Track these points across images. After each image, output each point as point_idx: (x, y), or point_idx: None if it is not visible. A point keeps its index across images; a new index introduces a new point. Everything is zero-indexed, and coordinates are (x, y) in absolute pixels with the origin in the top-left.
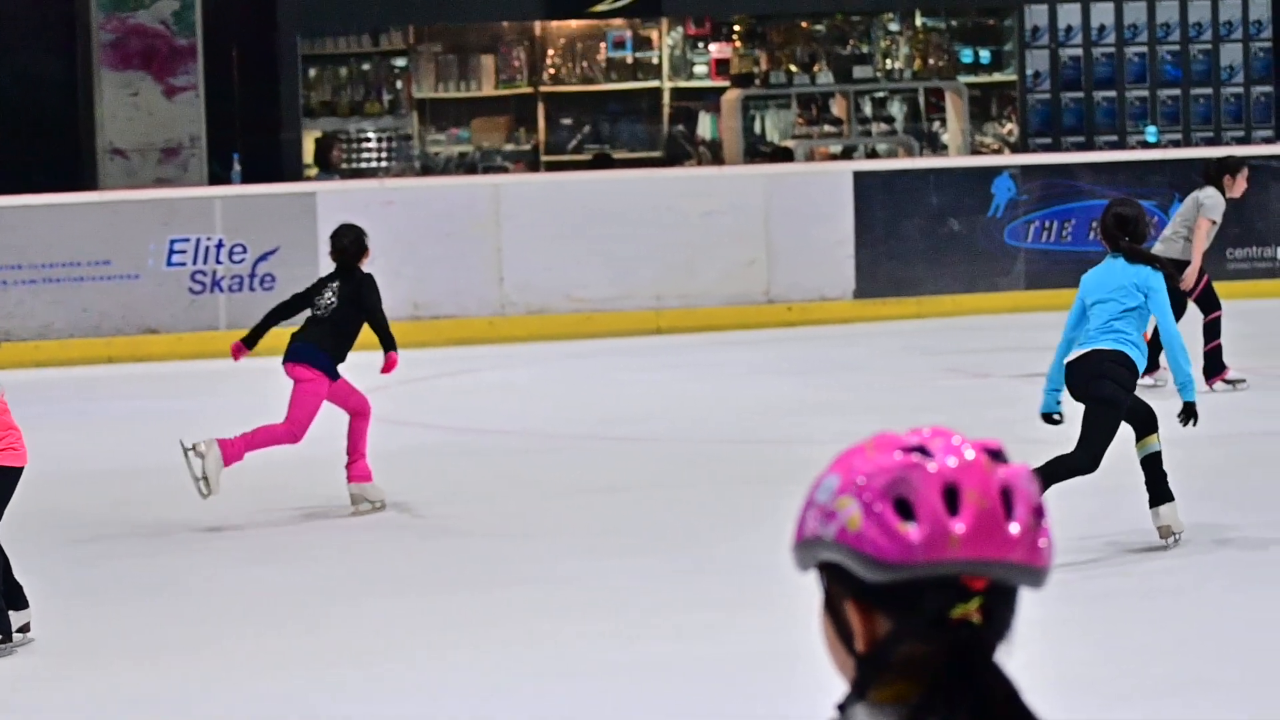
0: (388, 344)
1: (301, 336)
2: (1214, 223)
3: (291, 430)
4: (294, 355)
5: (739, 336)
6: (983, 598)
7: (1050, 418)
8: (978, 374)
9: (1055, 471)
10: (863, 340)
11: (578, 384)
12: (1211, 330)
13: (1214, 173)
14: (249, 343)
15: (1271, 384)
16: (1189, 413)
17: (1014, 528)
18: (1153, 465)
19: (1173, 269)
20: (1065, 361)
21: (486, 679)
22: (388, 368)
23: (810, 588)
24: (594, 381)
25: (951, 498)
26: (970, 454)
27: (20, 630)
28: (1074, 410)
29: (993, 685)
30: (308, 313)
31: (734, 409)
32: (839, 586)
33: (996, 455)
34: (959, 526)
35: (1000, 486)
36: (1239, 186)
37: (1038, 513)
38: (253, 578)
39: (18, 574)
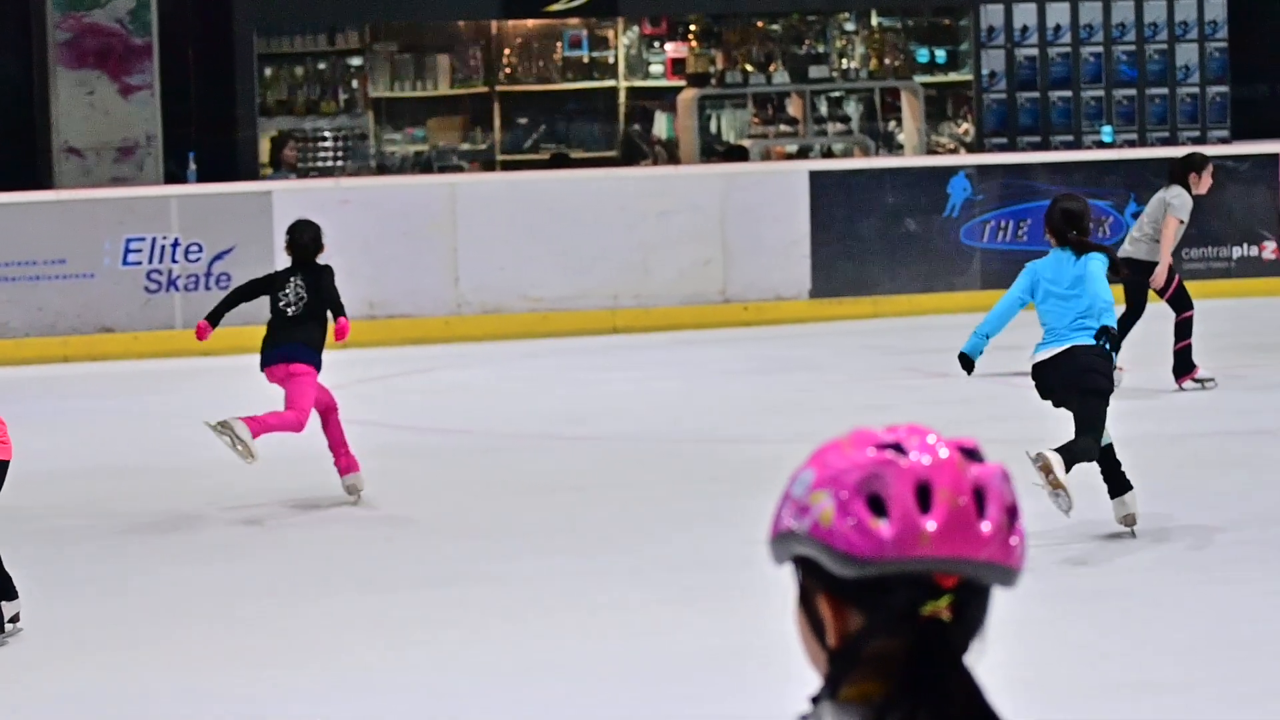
0: (340, 311)
1: (286, 338)
2: (1181, 222)
3: (299, 419)
4: (286, 356)
5: (695, 336)
6: (953, 595)
7: (968, 360)
8: (934, 373)
9: (1077, 455)
10: (819, 340)
11: (533, 383)
12: (1183, 330)
13: (1179, 171)
14: (213, 320)
15: (1229, 384)
16: (1105, 332)
17: (985, 526)
18: (1108, 458)
19: (1126, 267)
20: (1042, 360)
21: (444, 678)
22: (340, 334)
23: (765, 586)
24: (550, 381)
25: (924, 495)
26: (944, 452)
27: (10, 620)
28: (1039, 410)
29: (956, 684)
30: (278, 312)
31: (690, 408)
32: (812, 581)
33: (971, 454)
34: (930, 524)
35: (973, 485)
36: (1205, 183)
37: (1011, 512)
38: (210, 576)
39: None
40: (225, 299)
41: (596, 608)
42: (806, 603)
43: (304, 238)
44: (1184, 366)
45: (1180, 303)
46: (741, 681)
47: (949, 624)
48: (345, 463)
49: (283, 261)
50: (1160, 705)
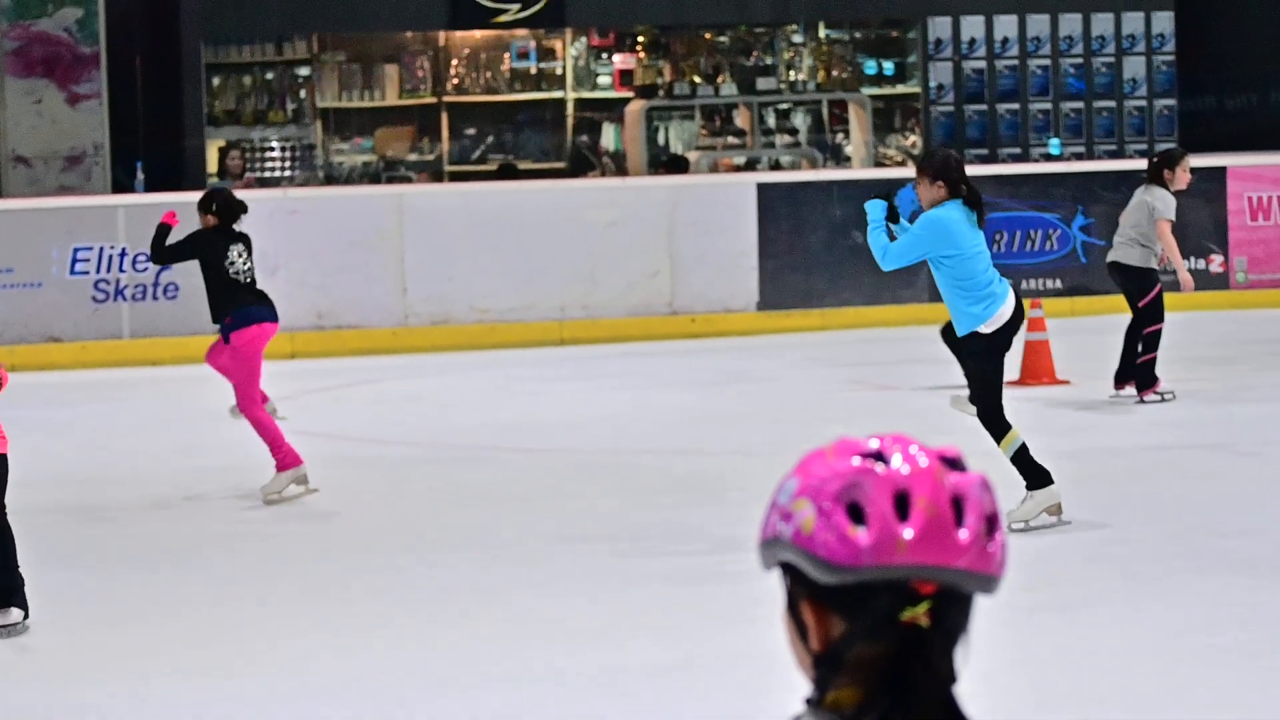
0: None
1: (254, 299)
2: (1172, 221)
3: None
4: (268, 315)
5: (643, 348)
6: (932, 602)
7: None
8: (882, 385)
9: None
10: (767, 352)
11: (482, 395)
12: (1150, 342)
13: (1155, 170)
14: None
15: (1188, 397)
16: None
17: (963, 534)
18: (1022, 456)
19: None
20: (1005, 320)
21: (383, 690)
22: None
23: (708, 600)
24: (498, 392)
25: (902, 504)
26: (924, 461)
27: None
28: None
29: (931, 689)
30: (230, 279)
31: (637, 420)
32: (797, 587)
33: (953, 463)
34: (907, 532)
35: (952, 494)
36: (1182, 179)
37: (990, 521)
38: (153, 584)
39: None
40: (169, 247)
41: (545, 620)
42: (793, 608)
43: (236, 205)
44: (1148, 380)
45: (1153, 314)
46: (685, 692)
47: (928, 630)
48: (288, 458)
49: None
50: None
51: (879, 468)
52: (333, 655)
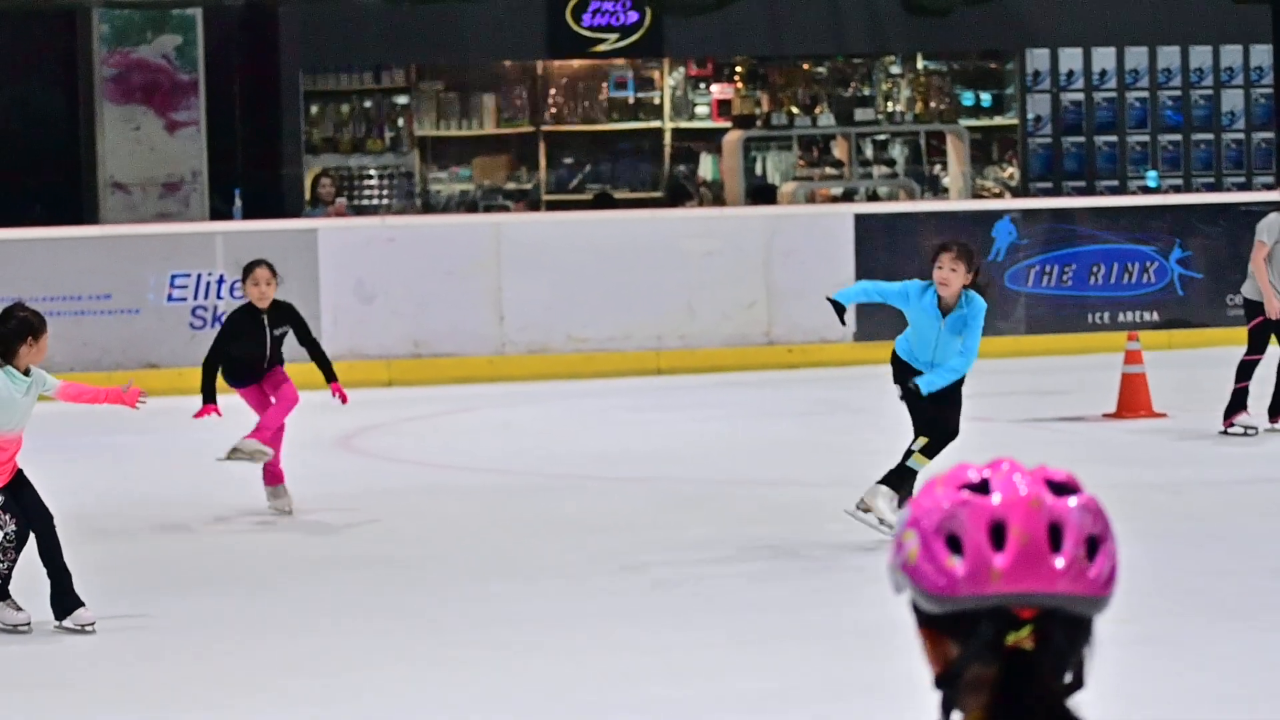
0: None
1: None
2: (1262, 244)
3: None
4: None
5: (739, 378)
6: (1034, 626)
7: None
8: (978, 418)
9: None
10: (863, 382)
11: (577, 424)
12: (1241, 371)
13: None
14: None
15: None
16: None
17: (1058, 561)
18: (908, 470)
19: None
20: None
21: (495, 717)
22: None
23: (805, 628)
24: (593, 421)
25: (998, 533)
26: (1024, 490)
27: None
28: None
29: (1039, 710)
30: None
31: (733, 450)
32: (916, 612)
33: (1061, 488)
34: (1000, 561)
35: (1049, 520)
36: None
37: (1090, 544)
38: (227, 610)
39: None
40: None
41: (640, 650)
42: (920, 631)
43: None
44: (1234, 407)
45: (1251, 344)
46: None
47: (1034, 652)
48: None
49: (329, 299)
50: None
51: (976, 499)
52: (424, 686)
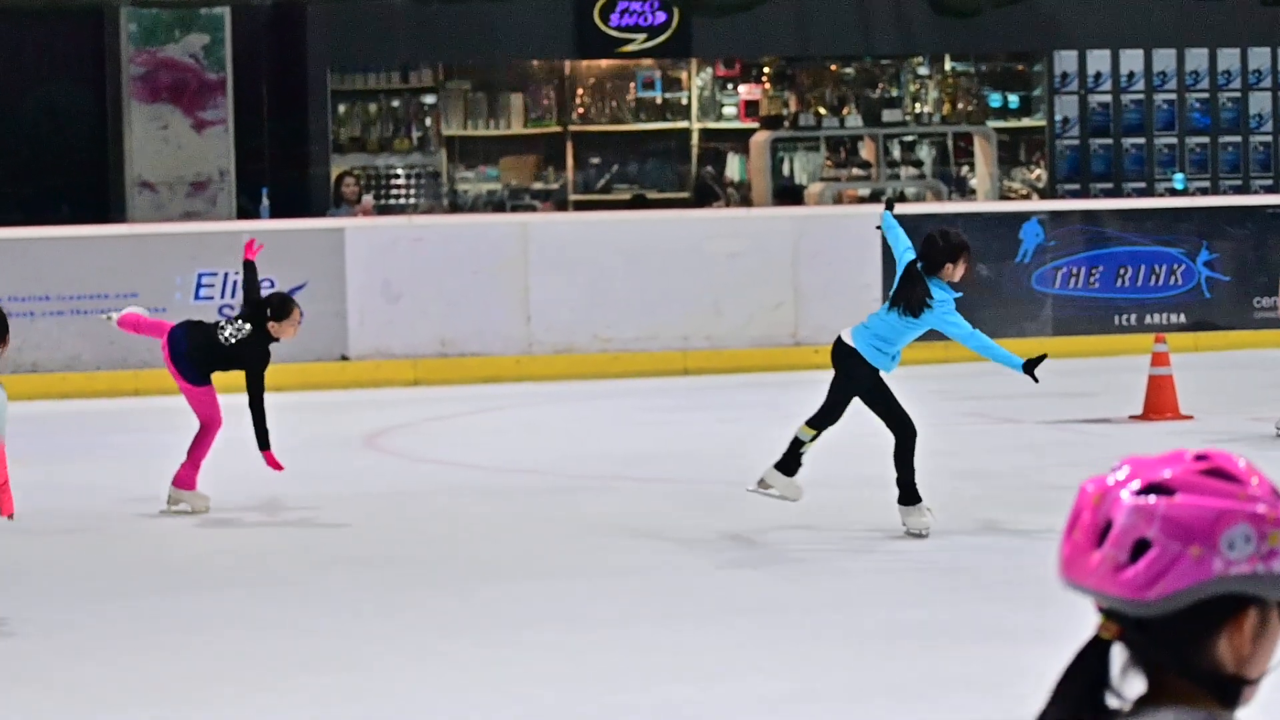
0: None
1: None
2: None
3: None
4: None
5: (766, 378)
6: (1104, 617)
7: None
8: (1003, 419)
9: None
10: (889, 384)
11: (603, 424)
12: None
13: None
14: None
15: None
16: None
17: (1095, 556)
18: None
19: None
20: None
21: None
22: None
23: (833, 629)
24: (619, 422)
25: (1073, 524)
26: (1110, 481)
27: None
28: (1108, 456)
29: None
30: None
31: (760, 451)
32: None
33: (1158, 489)
34: (1064, 550)
35: (1105, 517)
36: None
37: (1137, 546)
38: (259, 608)
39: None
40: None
41: (664, 650)
42: None
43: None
44: None
45: None
46: None
47: (1111, 642)
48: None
49: (355, 298)
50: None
51: (1086, 485)
52: (452, 685)
